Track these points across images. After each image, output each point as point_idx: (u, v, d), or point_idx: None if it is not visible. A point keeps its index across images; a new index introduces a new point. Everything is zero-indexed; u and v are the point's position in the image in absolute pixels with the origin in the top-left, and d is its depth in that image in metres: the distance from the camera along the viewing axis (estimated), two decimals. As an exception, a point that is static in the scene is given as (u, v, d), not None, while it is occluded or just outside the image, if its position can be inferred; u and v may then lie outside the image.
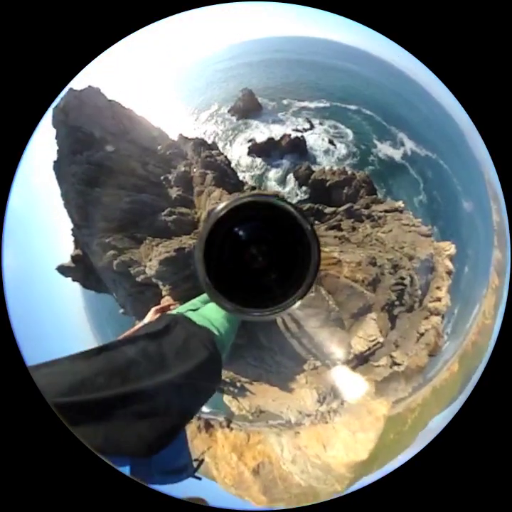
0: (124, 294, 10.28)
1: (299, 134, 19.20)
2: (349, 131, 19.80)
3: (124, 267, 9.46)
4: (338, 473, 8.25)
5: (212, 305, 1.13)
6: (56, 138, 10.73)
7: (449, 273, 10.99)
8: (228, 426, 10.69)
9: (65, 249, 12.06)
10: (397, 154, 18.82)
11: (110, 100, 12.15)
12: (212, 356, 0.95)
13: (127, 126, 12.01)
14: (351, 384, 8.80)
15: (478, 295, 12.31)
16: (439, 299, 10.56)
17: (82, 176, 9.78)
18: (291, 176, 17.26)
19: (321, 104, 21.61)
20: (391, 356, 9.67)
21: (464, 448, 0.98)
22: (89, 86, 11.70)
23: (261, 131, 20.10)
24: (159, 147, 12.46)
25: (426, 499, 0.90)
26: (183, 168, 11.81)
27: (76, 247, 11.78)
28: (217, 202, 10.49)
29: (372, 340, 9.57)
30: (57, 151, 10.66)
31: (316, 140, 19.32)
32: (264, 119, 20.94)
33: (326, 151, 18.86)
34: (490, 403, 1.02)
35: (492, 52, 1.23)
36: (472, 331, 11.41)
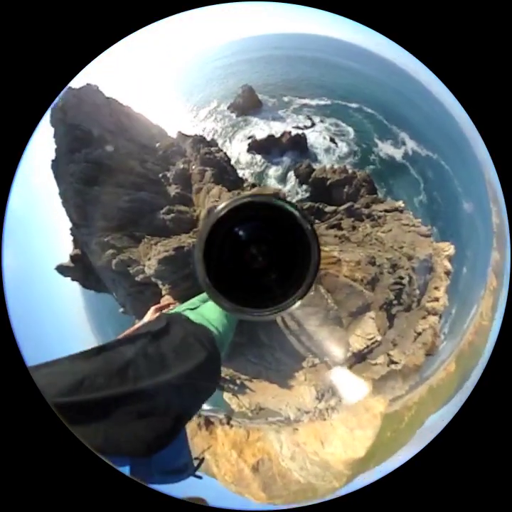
0: (123, 293, 10.29)
1: (300, 132, 19.04)
2: (350, 130, 19.67)
3: (123, 266, 9.45)
4: (337, 470, 8.37)
5: (211, 304, 1.13)
6: (54, 136, 10.62)
7: (447, 273, 11.05)
8: (228, 423, 10.77)
9: (64, 249, 12.04)
10: (398, 154, 18.73)
11: (108, 98, 12.03)
12: (211, 355, 0.95)
13: (125, 123, 11.91)
14: (350, 386, 8.89)
15: (476, 296, 12.39)
16: (437, 299, 10.63)
17: (81, 175, 9.72)
18: (291, 174, 17.16)
19: (322, 102, 21.41)
20: (388, 355, 9.74)
21: (463, 448, 0.99)
22: (88, 84, 11.57)
23: (261, 128, 19.94)
24: (158, 144, 12.38)
25: (425, 499, 0.91)
26: (181, 166, 11.74)
27: (75, 247, 11.74)
28: (216, 199, 10.46)
29: (371, 339, 9.64)
30: (56, 149, 10.56)
31: (317, 138, 19.20)
32: (264, 116, 20.76)
33: (327, 150, 18.76)
34: (489, 404, 1.03)
35: (492, 52, 1.23)
36: (469, 331, 11.50)
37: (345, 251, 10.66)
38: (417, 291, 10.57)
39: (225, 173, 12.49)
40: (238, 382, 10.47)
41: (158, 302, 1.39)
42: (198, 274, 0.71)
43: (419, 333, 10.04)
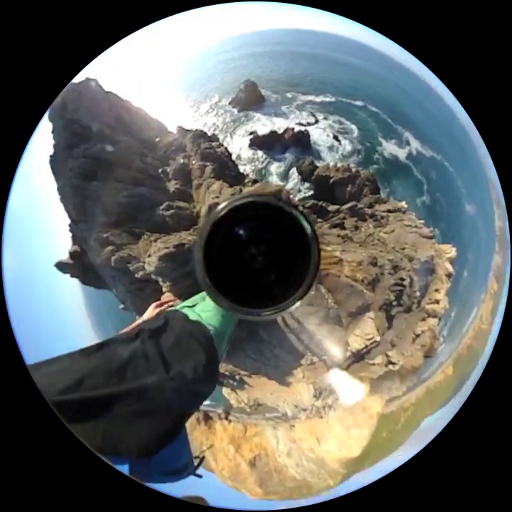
0: (123, 290, 10.27)
1: (303, 128, 18.75)
2: (354, 127, 19.38)
3: (122, 262, 9.40)
4: (332, 469, 8.54)
5: (209, 302, 1.12)
6: (53, 132, 10.44)
7: (448, 276, 11.04)
8: (227, 418, 10.93)
9: (63, 246, 12.02)
10: (402, 153, 18.54)
11: (107, 92, 11.78)
12: (209, 354, 0.95)
13: (125, 118, 11.69)
14: (348, 388, 8.98)
15: (476, 299, 12.43)
16: (437, 302, 10.64)
17: (79, 170, 9.58)
18: (294, 171, 16.97)
19: (327, 99, 21.06)
20: (387, 355, 9.82)
21: (462, 449, 0.99)
22: (87, 78, 11.33)
23: (263, 124, 19.62)
24: (157, 139, 12.17)
25: (425, 499, 0.91)
26: (181, 161, 11.57)
27: (74, 243, 11.67)
28: (216, 195, 10.33)
29: (369, 339, 9.69)
30: (54, 145, 10.40)
31: (320, 135, 18.91)
32: (266, 112, 20.40)
33: (331, 147, 18.50)
34: (487, 407, 1.03)
35: (492, 52, 1.21)
36: (468, 335, 11.58)
37: (348, 251, 10.62)
38: (418, 293, 10.58)
39: (226, 169, 12.32)
40: (237, 377, 10.58)
41: (159, 299, 1.36)
42: (197, 273, 0.71)
43: (418, 335, 10.09)
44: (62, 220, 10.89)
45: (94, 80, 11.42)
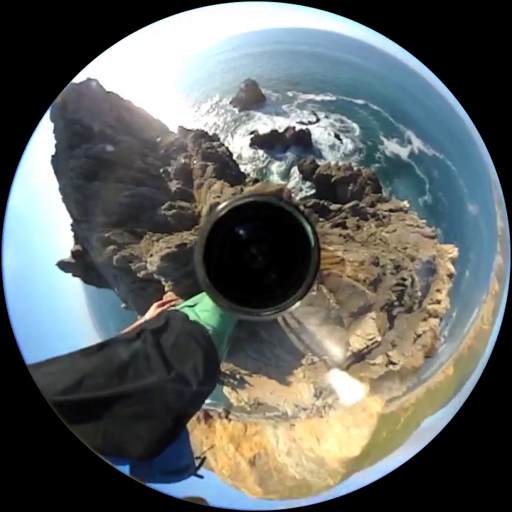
0: (125, 289, 10.31)
1: (304, 127, 18.68)
2: (355, 126, 19.27)
3: (124, 262, 9.43)
4: (331, 468, 8.55)
5: (209, 302, 1.12)
6: (54, 132, 10.47)
7: (450, 276, 10.98)
8: (227, 417, 10.96)
9: (65, 245, 12.06)
10: (403, 152, 18.38)
11: (108, 92, 11.79)
12: (208, 354, 0.95)
13: (126, 118, 11.70)
14: (348, 389, 8.98)
15: (478, 300, 12.37)
16: (438, 302, 10.60)
17: (81, 170, 9.61)
18: (295, 170, 16.90)
19: (327, 98, 20.92)
20: (387, 355, 9.80)
21: (462, 449, 0.99)
22: (88, 78, 11.34)
23: (264, 123, 19.55)
24: (159, 139, 12.18)
25: (425, 499, 0.91)
26: (182, 160, 11.58)
27: (76, 243, 11.72)
28: (218, 195, 10.34)
29: (370, 339, 9.68)
30: (55, 145, 10.43)
31: (321, 133, 18.82)
32: (267, 111, 20.33)
33: (332, 146, 18.41)
34: (487, 408, 1.03)
35: (492, 52, 1.21)
36: (469, 335, 11.53)
37: (350, 251, 10.59)
38: (419, 293, 10.54)
39: (227, 168, 12.31)
40: (238, 376, 10.60)
41: (161, 298, 1.38)
42: (197, 274, 0.71)
43: (419, 335, 10.06)
44: (63, 219, 10.95)
45: (95, 80, 11.43)
